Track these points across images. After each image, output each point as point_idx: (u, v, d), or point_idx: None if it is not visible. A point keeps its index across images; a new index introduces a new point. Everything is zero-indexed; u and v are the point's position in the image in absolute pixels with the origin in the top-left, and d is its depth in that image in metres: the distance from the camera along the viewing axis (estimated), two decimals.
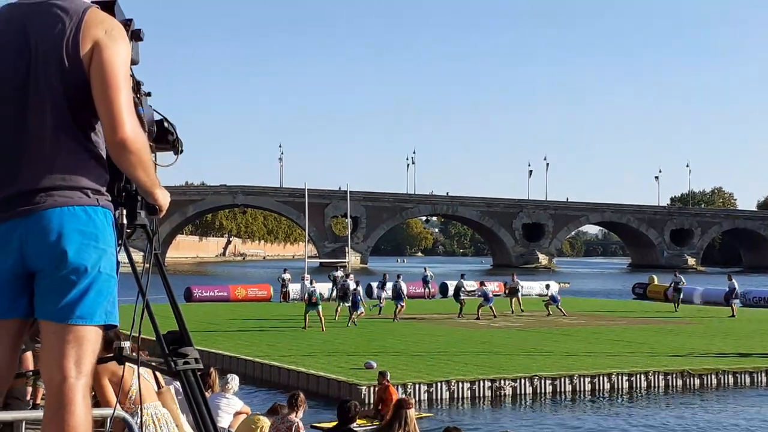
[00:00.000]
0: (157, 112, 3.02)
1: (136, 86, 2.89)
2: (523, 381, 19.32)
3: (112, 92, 2.64)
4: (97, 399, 5.34)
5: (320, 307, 29.33)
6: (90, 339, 2.65)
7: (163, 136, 3.03)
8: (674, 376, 20.68)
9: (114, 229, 2.76)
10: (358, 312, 31.06)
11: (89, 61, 2.67)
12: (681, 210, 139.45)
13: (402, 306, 33.71)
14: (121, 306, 2.77)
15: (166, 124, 3.04)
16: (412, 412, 10.36)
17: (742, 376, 21.30)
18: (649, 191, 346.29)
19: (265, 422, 10.19)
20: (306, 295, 31.19)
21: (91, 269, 2.64)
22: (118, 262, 2.76)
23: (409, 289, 49.47)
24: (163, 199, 2.85)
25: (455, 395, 18.64)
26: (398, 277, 36.07)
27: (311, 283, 34.12)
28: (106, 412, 3.29)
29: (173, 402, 5.79)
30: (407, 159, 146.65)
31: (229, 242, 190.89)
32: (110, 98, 2.63)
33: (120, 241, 2.81)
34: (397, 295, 34.28)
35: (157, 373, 5.21)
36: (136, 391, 5.45)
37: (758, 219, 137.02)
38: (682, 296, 40.48)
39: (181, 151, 3.11)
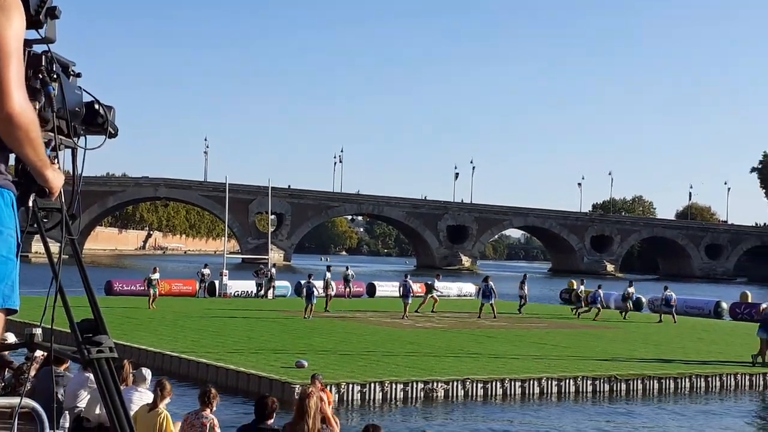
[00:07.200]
0: (87, 93, 2.85)
1: (57, 67, 2.68)
2: (455, 384, 19.30)
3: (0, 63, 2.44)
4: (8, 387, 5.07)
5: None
6: None
7: (91, 119, 2.86)
8: (602, 381, 20.89)
9: (13, 210, 2.58)
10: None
11: None
12: (602, 217, 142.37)
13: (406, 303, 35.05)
14: (36, 297, 2.56)
15: (96, 106, 2.87)
16: (313, 401, 10.09)
17: (667, 381, 21.62)
18: (572, 197, 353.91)
19: (167, 414, 9.98)
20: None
21: None
22: (18, 245, 2.57)
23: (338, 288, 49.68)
24: (54, 180, 2.65)
25: (388, 396, 18.50)
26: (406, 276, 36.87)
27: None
28: (13, 400, 3.18)
29: None
30: (335, 157, 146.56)
31: (149, 235, 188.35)
32: None
33: (26, 225, 2.65)
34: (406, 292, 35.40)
35: None
36: None
37: (676, 228, 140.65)
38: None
39: (114, 135, 2.94)
